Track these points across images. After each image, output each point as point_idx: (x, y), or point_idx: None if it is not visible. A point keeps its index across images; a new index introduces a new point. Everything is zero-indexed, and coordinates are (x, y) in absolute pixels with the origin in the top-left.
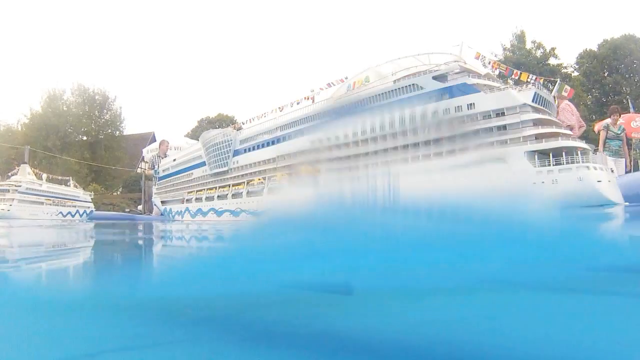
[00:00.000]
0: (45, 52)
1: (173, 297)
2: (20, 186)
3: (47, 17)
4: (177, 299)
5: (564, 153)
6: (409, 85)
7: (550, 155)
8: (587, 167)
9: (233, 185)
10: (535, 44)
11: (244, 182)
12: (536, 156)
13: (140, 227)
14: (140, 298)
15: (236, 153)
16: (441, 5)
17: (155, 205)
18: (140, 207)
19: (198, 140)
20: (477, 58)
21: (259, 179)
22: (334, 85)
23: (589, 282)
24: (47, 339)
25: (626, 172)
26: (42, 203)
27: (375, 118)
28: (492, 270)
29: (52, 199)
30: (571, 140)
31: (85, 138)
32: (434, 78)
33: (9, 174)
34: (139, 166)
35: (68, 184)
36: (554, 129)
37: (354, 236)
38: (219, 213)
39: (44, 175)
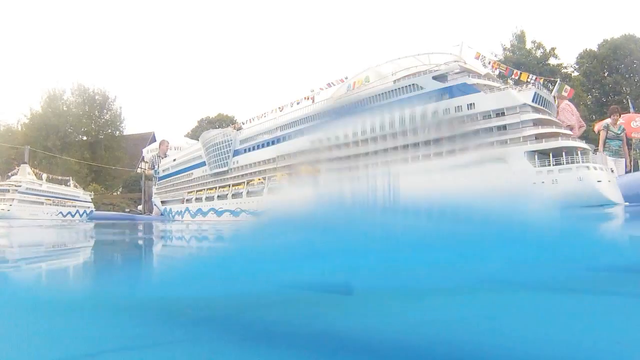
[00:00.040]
0: (45, 52)
1: (173, 297)
2: (20, 186)
3: (47, 17)
4: (177, 299)
5: (564, 153)
6: (409, 85)
7: (550, 155)
8: (587, 167)
9: (233, 185)
10: (535, 44)
11: (244, 182)
12: (536, 156)
13: (140, 227)
14: (140, 298)
15: (236, 153)
16: (441, 6)
17: (155, 205)
18: (140, 207)
19: (198, 140)
20: (477, 58)
21: (259, 179)
22: (334, 85)
23: (589, 282)
24: (47, 339)
25: (626, 172)
26: (42, 203)
27: (375, 118)
28: (492, 270)
29: (52, 199)
30: (571, 140)
31: (85, 138)
32: (434, 78)
33: (9, 174)
34: (139, 166)
35: (68, 184)
36: (554, 129)
37: (354, 236)
38: (219, 213)
39: (44, 175)
